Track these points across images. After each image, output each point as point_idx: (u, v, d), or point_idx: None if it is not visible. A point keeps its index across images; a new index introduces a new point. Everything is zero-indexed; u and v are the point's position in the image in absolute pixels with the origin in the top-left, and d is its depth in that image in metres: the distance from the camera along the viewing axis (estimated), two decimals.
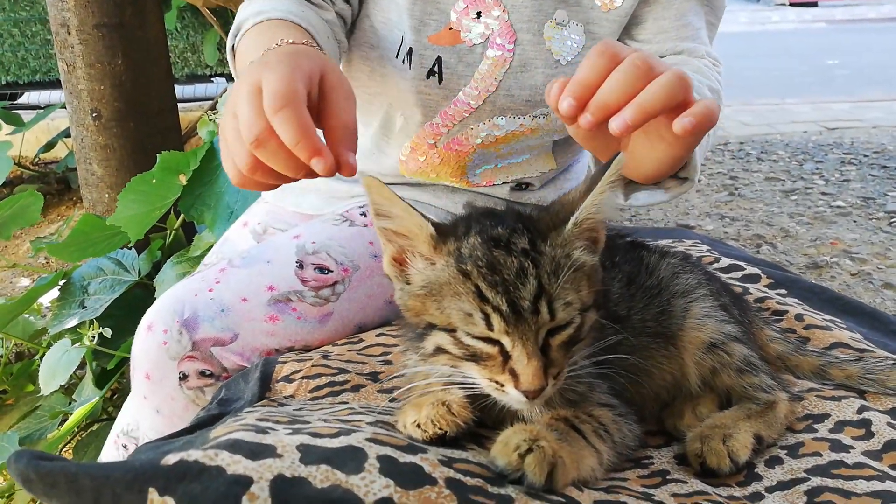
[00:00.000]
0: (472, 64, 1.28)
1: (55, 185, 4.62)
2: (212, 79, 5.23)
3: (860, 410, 0.87)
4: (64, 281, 2.11)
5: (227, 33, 4.29)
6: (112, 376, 1.97)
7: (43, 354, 2.17)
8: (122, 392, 2.16)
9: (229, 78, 4.98)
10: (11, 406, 2.21)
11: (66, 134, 4.43)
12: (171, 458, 0.57)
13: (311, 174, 0.80)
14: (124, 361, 1.91)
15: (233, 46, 1.16)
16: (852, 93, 6.94)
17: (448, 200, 1.39)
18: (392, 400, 0.85)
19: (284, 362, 1.05)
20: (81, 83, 2.39)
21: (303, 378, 0.99)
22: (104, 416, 2.12)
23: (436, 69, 1.28)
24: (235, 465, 0.57)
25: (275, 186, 0.88)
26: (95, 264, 2.14)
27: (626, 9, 1.26)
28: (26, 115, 4.48)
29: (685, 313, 0.90)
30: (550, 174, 1.44)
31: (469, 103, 1.30)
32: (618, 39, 1.30)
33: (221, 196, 1.99)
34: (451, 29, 1.26)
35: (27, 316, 2.28)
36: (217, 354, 1.12)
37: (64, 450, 2.09)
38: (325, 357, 1.07)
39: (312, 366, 1.02)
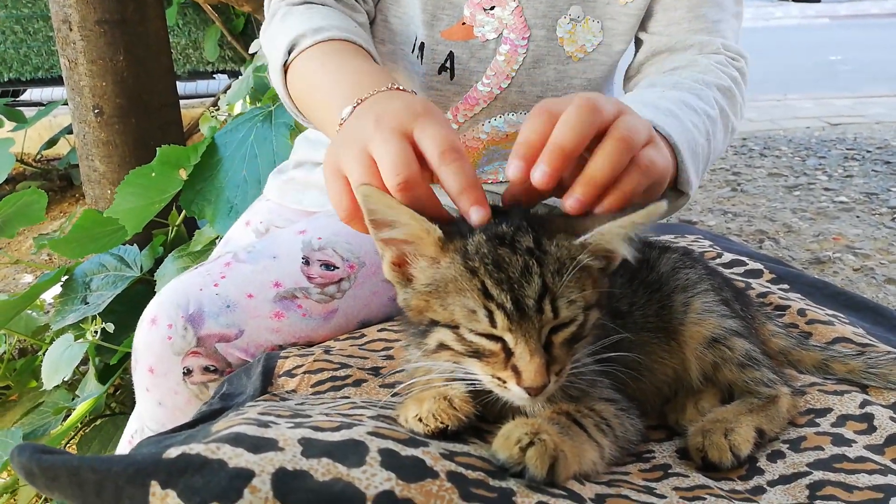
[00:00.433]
0: (484, 59, 1.27)
1: (57, 181, 4.63)
2: (213, 75, 5.24)
3: (862, 405, 0.87)
4: (66, 277, 2.11)
5: (228, 30, 4.32)
6: (115, 371, 1.97)
7: (46, 350, 2.18)
8: (124, 387, 2.16)
9: (231, 74, 4.98)
10: (15, 402, 2.22)
11: (68, 130, 4.44)
12: (173, 452, 0.57)
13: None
14: (127, 357, 1.91)
15: (285, 63, 1.12)
16: (855, 89, 6.93)
17: None
18: (394, 395, 0.85)
19: (286, 357, 1.05)
20: (83, 80, 2.40)
21: (305, 373, 0.99)
22: (107, 411, 2.12)
23: (448, 65, 1.27)
24: (237, 458, 0.57)
25: None
26: (98, 260, 2.14)
27: (644, 0, 1.25)
28: (28, 112, 4.49)
29: (686, 308, 0.90)
30: None
31: (481, 99, 1.29)
32: (634, 34, 1.29)
33: (222, 191, 1.99)
34: (463, 24, 1.25)
35: (30, 312, 2.28)
36: (222, 350, 1.12)
37: (68, 445, 2.09)
38: (326, 352, 1.07)
39: (314, 360, 1.02)
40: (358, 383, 0.96)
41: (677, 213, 3.65)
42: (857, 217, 3.55)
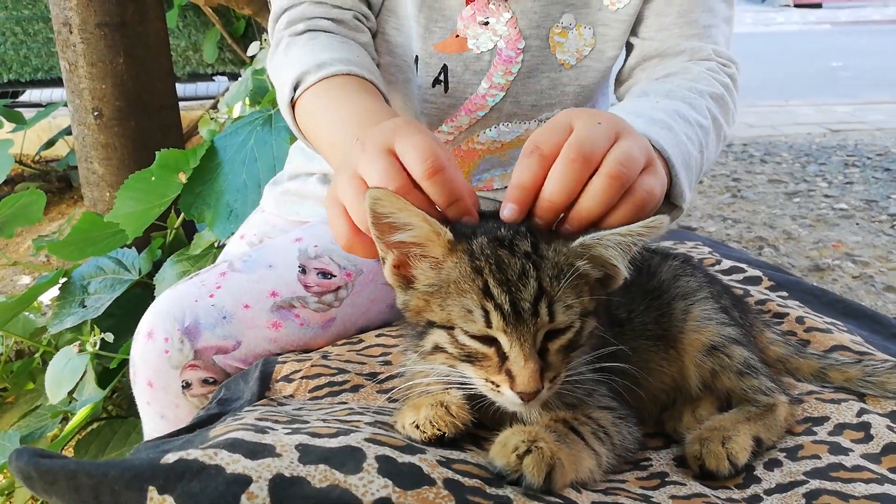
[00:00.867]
0: (479, 72, 1.26)
1: (56, 183, 4.63)
2: (213, 77, 5.24)
3: (859, 413, 0.87)
4: (64, 280, 2.11)
5: (228, 32, 4.32)
6: (114, 375, 1.97)
7: (43, 352, 2.18)
8: (122, 391, 2.16)
9: (230, 76, 4.99)
10: (12, 404, 2.21)
11: (67, 132, 4.44)
12: (170, 457, 0.57)
13: None
14: (125, 361, 1.91)
15: (291, 99, 1.13)
16: (856, 95, 6.94)
17: None
18: (391, 400, 0.85)
19: (284, 362, 1.05)
20: (83, 82, 2.40)
21: (302, 378, 0.99)
22: (104, 414, 2.12)
23: (441, 77, 1.27)
24: (234, 464, 0.57)
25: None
26: (96, 263, 2.14)
27: (635, 5, 1.24)
28: (28, 113, 4.48)
29: (685, 316, 0.90)
30: None
31: (476, 111, 1.29)
32: (626, 39, 1.29)
33: (222, 195, 1.99)
34: (457, 36, 1.24)
35: (27, 314, 2.28)
36: (220, 362, 1.11)
37: (64, 448, 2.09)
38: (324, 357, 1.07)
39: (312, 366, 1.02)
40: (355, 389, 0.96)
41: (677, 220, 3.65)
42: (857, 224, 3.55)
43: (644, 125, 0.98)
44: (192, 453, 0.57)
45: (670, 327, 0.90)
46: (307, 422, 0.71)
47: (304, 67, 1.12)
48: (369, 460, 0.61)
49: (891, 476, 0.76)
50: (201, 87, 5.51)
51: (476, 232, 0.75)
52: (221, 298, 1.13)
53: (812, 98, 6.82)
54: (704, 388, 0.90)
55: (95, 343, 1.80)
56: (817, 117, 6.00)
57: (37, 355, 2.26)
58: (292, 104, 1.14)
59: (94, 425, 2.07)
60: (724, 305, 0.94)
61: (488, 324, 0.71)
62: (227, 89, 4.51)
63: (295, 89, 1.13)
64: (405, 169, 0.76)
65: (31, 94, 5.61)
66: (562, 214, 0.77)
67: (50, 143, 4.60)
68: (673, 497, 0.74)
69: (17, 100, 5.46)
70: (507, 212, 0.76)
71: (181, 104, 2.84)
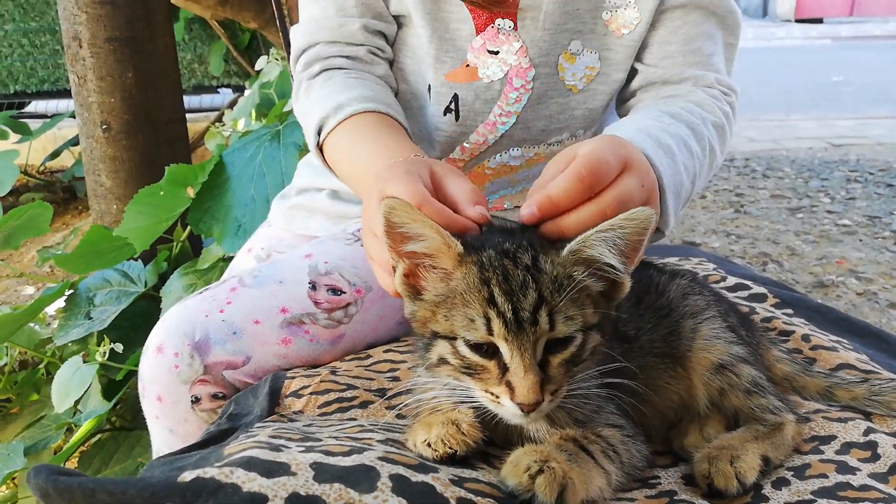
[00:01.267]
0: (489, 100, 1.27)
1: (61, 193, 4.64)
2: (218, 90, 5.26)
3: (866, 432, 0.87)
4: (70, 292, 2.12)
5: (233, 45, 4.34)
6: (119, 388, 1.97)
7: (47, 363, 2.18)
8: (127, 403, 2.16)
9: (235, 89, 5.02)
10: (16, 415, 2.21)
11: (72, 143, 4.45)
12: (187, 476, 0.57)
13: None
14: (131, 373, 1.92)
15: (318, 143, 1.19)
16: (857, 110, 6.95)
17: None
18: (401, 417, 0.85)
19: (293, 377, 1.05)
20: (92, 96, 2.41)
21: (311, 393, 0.99)
22: (108, 426, 2.12)
23: (452, 106, 1.28)
24: (251, 482, 0.57)
25: None
26: (102, 275, 2.14)
27: (640, 32, 1.26)
28: (33, 124, 4.50)
29: (694, 334, 0.91)
30: None
31: (486, 139, 1.30)
32: (631, 63, 1.30)
33: (230, 210, 2.00)
34: (467, 66, 1.26)
35: (32, 325, 2.28)
36: (229, 377, 1.12)
37: (69, 460, 2.09)
38: (333, 373, 1.07)
39: (321, 381, 1.03)
40: (364, 405, 0.97)
41: (681, 234, 3.66)
42: (861, 241, 3.55)
43: (651, 148, 1.00)
44: (209, 472, 0.58)
45: (678, 345, 0.91)
46: (320, 439, 0.72)
47: (325, 112, 1.17)
48: (383, 479, 0.62)
49: None
50: (206, 100, 5.53)
51: (484, 245, 0.76)
52: (232, 314, 1.14)
53: (813, 113, 6.84)
54: (712, 407, 0.90)
55: (105, 353, 1.80)
56: (819, 132, 6.01)
57: (41, 366, 2.27)
58: (320, 147, 1.20)
59: (99, 437, 2.07)
60: (732, 324, 0.94)
61: (489, 331, 0.72)
62: (232, 101, 4.55)
63: (319, 133, 1.18)
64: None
65: (36, 105, 5.63)
66: None
67: (55, 154, 4.62)
68: None
69: (22, 111, 5.48)
70: (527, 214, 0.79)
71: (186, 116, 2.85)
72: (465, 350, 0.74)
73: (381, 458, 0.65)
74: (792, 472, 0.82)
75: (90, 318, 2.04)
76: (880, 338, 1.19)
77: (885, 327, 2.54)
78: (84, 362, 1.85)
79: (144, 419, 1.19)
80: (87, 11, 2.34)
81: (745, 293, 1.30)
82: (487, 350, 0.73)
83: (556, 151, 1.31)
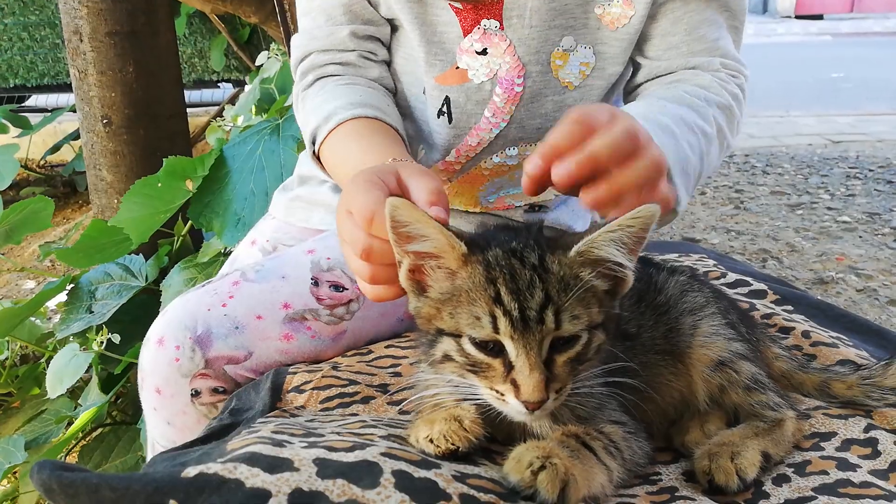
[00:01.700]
0: (481, 102, 1.27)
1: (61, 188, 4.65)
2: (218, 84, 5.26)
3: (867, 429, 0.87)
4: (72, 286, 2.12)
5: (234, 40, 4.34)
6: (118, 381, 1.98)
7: (49, 358, 2.19)
8: (127, 397, 2.16)
9: (236, 83, 5.02)
10: (17, 409, 2.22)
11: (72, 137, 4.46)
12: (190, 471, 0.57)
13: None
14: (130, 366, 1.92)
15: (314, 151, 1.20)
16: (857, 106, 6.95)
17: (462, 221, 1.38)
18: (403, 412, 0.86)
19: (295, 373, 1.05)
20: (93, 90, 2.41)
21: (313, 389, 1.00)
22: (109, 420, 2.12)
23: (444, 109, 1.28)
24: (254, 478, 0.58)
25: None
26: (103, 269, 2.15)
27: (636, 25, 1.24)
28: (34, 118, 4.51)
29: (694, 331, 0.91)
30: (563, 196, 1.44)
31: (481, 140, 1.29)
32: (629, 57, 1.29)
33: (230, 204, 2.00)
34: (457, 68, 1.25)
35: (33, 319, 2.29)
36: (230, 372, 1.12)
37: (69, 455, 2.09)
38: (334, 368, 1.08)
39: (322, 377, 1.03)
40: (366, 400, 0.97)
41: (681, 231, 3.66)
42: (860, 237, 3.56)
43: (648, 129, 0.99)
44: (212, 467, 0.58)
45: (678, 342, 0.91)
46: (322, 435, 0.72)
47: (317, 122, 1.18)
48: (386, 475, 0.62)
49: None
50: (206, 94, 5.53)
51: (490, 243, 0.77)
52: (234, 308, 1.14)
53: (813, 109, 6.83)
54: (712, 403, 0.90)
55: (102, 343, 1.80)
56: (818, 128, 6.01)
57: (42, 361, 2.27)
58: (317, 156, 1.21)
59: (99, 431, 2.07)
60: (732, 321, 0.95)
61: (496, 329, 0.72)
62: (232, 95, 4.55)
63: (313, 143, 1.19)
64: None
65: (36, 99, 5.63)
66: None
67: (55, 148, 4.63)
68: None
69: (23, 105, 5.48)
70: (531, 165, 0.81)
71: (187, 111, 2.85)
72: (470, 348, 0.74)
73: (383, 454, 0.65)
74: (792, 469, 0.82)
75: (91, 312, 2.05)
76: (880, 334, 1.19)
77: (884, 324, 2.55)
78: (82, 350, 1.86)
79: (143, 414, 1.20)
80: (87, 5, 2.34)
81: (745, 290, 1.30)
82: (493, 348, 0.73)
83: None
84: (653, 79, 1.28)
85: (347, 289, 1.20)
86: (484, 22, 1.22)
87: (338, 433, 0.74)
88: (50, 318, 2.48)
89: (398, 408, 0.93)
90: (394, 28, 1.31)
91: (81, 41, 2.36)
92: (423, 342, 0.81)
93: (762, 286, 1.31)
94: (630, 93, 1.34)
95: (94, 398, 1.95)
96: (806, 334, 1.12)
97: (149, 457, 1.29)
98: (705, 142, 1.10)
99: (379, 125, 1.16)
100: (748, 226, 3.79)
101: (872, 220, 3.80)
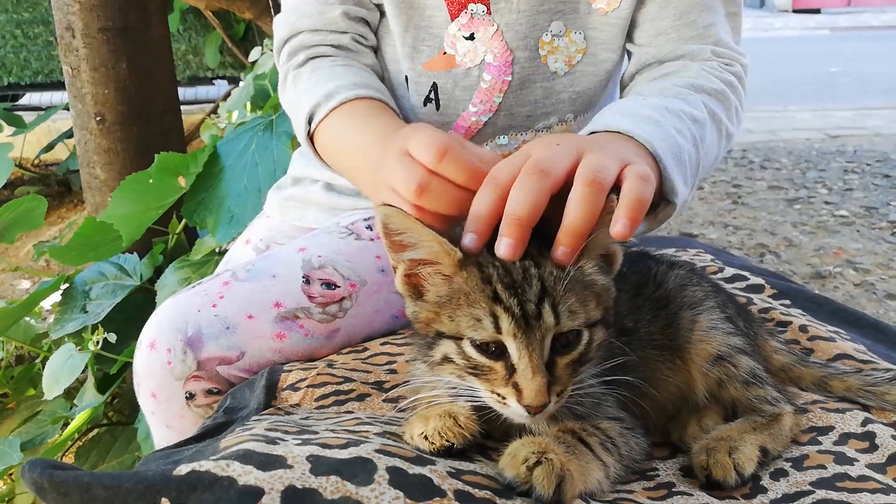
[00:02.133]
0: (469, 87, 1.26)
1: (56, 187, 4.64)
2: (213, 81, 5.25)
3: (864, 423, 0.87)
4: (66, 286, 2.11)
5: (228, 36, 4.33)
6: (114, 381, 1.97)
7: (44, 358, 2.18)
8: (123, 397, 2.16)
9: (230, 80, 5.00)
10: (12, 410, 2.21)
11: (67, 135, 4.44)
12: (182, 469, 0.57)
13: None
14: (126, 366, 1.91)
15: (309, 132, 1.17)
16: (854, 101, 6.96)
17: None
18: (399, 410, 0.85)
19: (289, 371, 1.05)
20: (86, 87, 2.40)
21: (308, 387, 0.99)
22: (105, 420, 2.12)
23: (432, 96, 1.27)
24: (247, 475, 0.57)
25: None
26: (97, 269, 2.14)
27: (626, 10, 1.22)
28: (28, 117, 4.49)
29: (692, 325, 0.90)
30: None
31: (469, 127, 1.28)
32: (623, 43, 1.27)
33: (223, 200, 1.99)
34: (444, 53, 1.24)
35: (28, 319, 2.28)
36: (223, 373, 1.11)
37: (65, 455, 2.09)
38: (330, 366, 1.07)
39: (317, 374, 1.02)
40: (361, 398, 0.96)
41: (678, 226, 3.66)
42: (858, 231, 3.56)
43: (629, 123, 0.97)
44: (205, 465, 0.58)
45: (677, 337, 0.90)
46: (316, 432, 0.72)
47: (315, 100, 1.15)
48: (380, 472, 0.61)
49: None
50: (201, 91, 5.52)
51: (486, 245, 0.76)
52: (224, 308, 1.12)
53: (810, 103, 6.84)
54: (710, 398, 0.90)
55: (98, 342, 1.80)
56: (816, 123, 6.02)
57: (37, 361, 2.26)
58: (310, 137, 1.18)
59: (95, 432, 2.07)
60: (730, 315, 0.94)
61: (498, 329, 0.71)
62: (227, 93, 4.53)
63: (309, 122, 1.16)
64: (421, 164, 0.82)
65: (30, 98, 5.62)
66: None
67: (49, 147, 4.62)
68: None
69: (16, 103, 5.47)
70: (468, 241, 0.76)
71: (181, 108, 2.84)
72: (471, 350, 0.73)
73: (378, 451, 0.65)
74: (790, 463, 0.82)
75: (86, 312, 2.04)
76: (877, 328, 1.19)
77: (882, 318, 2.55)
78: (78, 350, 1.85)
79: (139, 413, 1.19)
80: (80, 1, 2.33)
81: (743, 284, 1.30)
82: (494, 351, 0.72)
83: None
84: (643, 68, 1.26)
85: (339, 286, 1.19)
86: (471, 6, 1.21)
87: (332, 430, 0.74)
88: (45, 319, 2.47)
89: (394, 406, 0.92)
90: (381, 14, 1.30)
91: (74, 37, 2.35)
92: (420, 343, 0.81)
93: (759, 280, 1.31)
94: (624, 86, 1.32)
95: (90, 398, 1.94)
96: (803, 328, 1.12)
97: None
98: (696, 127, 1.07)
99: (384, 107, 1.15)
100: (746, 220, 3.80)
101: (870, 215, 3.80)
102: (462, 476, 0.65)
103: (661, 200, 1.01)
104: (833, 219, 3.76)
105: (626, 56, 1.33)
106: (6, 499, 1.95)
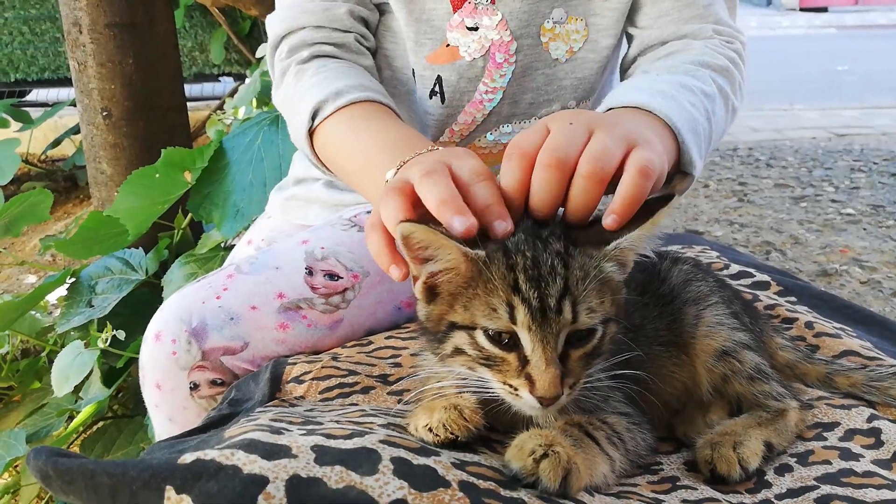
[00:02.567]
0: (473, 78, 1.26)
1: (62, 182, 4.64)
2: (219, 78, 5.26)
3: (870, 419, 0.87)
4: (72, 280, 2.12)
5: (234, 33, 4.33)
6: (119, 375, 1.98)
7: (49, 352, 2.19)
8: (128, 390, 2.17)
9: (236, 77, 5.01)
10: (18, 403, 2.22)
11: (73, 131, 4.45)
12: (187, 457, 0.57)
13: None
14: (132, 360, 1.92)
15: (310, 129, 1.16)
16: (862, 99, 6.93)
17: None
18: (405, 402, 0.85)
19: (294, 363, 1.05)
20: (92, 82, 2.40)
21: (313, 379, 0.99)
22: (110, 414, 2.12)
23: (437, 89, 1.27)
24: (251, 464, 0.57)
25: None
26: (103, 263, 2.15)
27: None
28: (34, 113, 4.50)
29: (697, 321, 0.90)
30: None
31: (474, 118, 1.29)
32: (622, 28, 1.28)
33: (229, 195, 2.00)
34: (448, 46, 1.24)
35: (34, 313, 2.29)
36: (228, 363, 1.12)
37: (70, 447, 2.09)
38: (334, 359, 1.07)
39: (322, 367, 1.03)
40: (366, 390, 0.96)
41: (684, 223, 3.65)
42: (864, 229, 3.55)
43: (646, 98, 0.98)
44: (209, 453, 0.58)
45: (682, 332, 0.90)
46: (321, 423, 0.72)
47: (322, 96, 1.14)
48: (385, 462, 0.61)
49: None
50: (207, 88, 5.52)
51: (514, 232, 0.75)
52: (228, 300, 1.14)
53: (817, 102, 6.81)
54: (715, 393, 0.90)
55: (107, 340, 1.80)
56: (823, 121, 6.00)
57: (43, 354, 2.27)
58: (310, 133, 1.16)
59: (100, 424, 2.08)
60: (735, 310, 0.94)
61: (512, 319, 0.70)
62: (233, 89, 4.54)
63: (313, 118, 1.15)
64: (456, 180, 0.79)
65: (37, 94, 5.63)
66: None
67: (56, 143, 4.62)
68: (684, 501, 0.74)
69: (23, 99, 5.48)
70: (500, 229, 0.75)
71: (187, 105, 2.85)
72: (483, 341, 0.73)
73: (382, 442, 0.65)
74: (795, 459, 0.82)
75: (91, 306, 2.05)
76: (884, 326, 1.19)
77: (889, 315, 2.54)
78: (87, 348, 1.86)
79: (146, 407, 1.20)
80: None
81: (749, 281, 1.30)
82: (508, 342, 0.72)
83: None
84: (646, 49, 1.27)
85: (342, 277, 1.19)
86: None
87: (337, 422, 0.74)
88: (50, 313, 2.48)
89: (399, 398, 0.93)
90: (381, 13, 1.30)
91: (81, 33, 2.35)
92: (432, 340, 0.80)
93: (765, 277, 1.30)
94: (626, 70, 1.33)
95: (95, 392, 1.94)
96: (809, 325, 1.11)
97: None
98: (708, 101, 1.08)
99: (390, 112, 1.14)
100: (752, 218, 3.79)
101: (877, 213, 3.79)
102: (466, 467, 0.65)
103: (677, 173, 1.02)
104: (839, 217, 3.75)
105: (624, 40, 1.34)
106: (12, 490, 1.96)
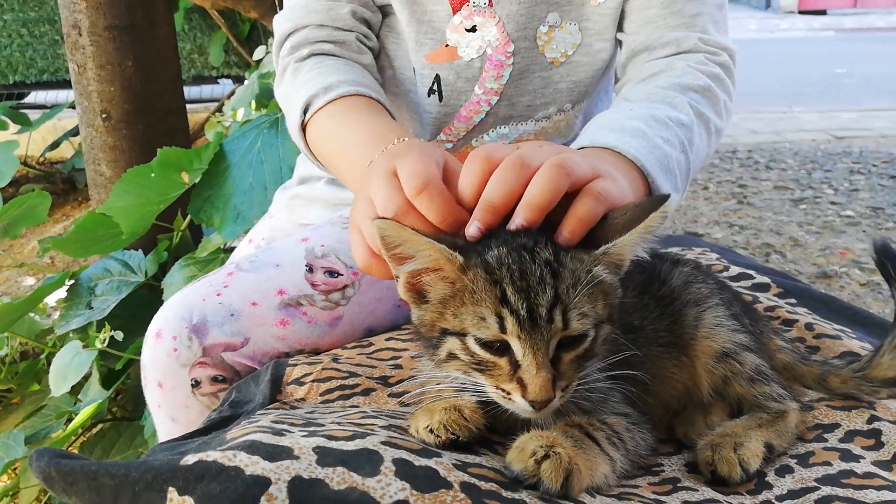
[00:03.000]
0: (471, 79, 1.28)
1: (61, 184, 4.64)
2: (218, 80, 5.26)
3: (870, 420, 0.87)
4: (72, 282, 2.12)
5: (234, 35, 4.33)
6: (118, 377, 1.97)
7: (48, 354, 2.19)
8: (128, 393, 2.16)
9: (235, 79, 5.01)
10: (17, 405, 2.22)
11: (72, 133, 4.45)
12: (190, 459, 0.57)
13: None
14: (131, 362, 1.92)
15: (302, 123, 1.18)
16: (860, 102, 6.94)
17: None
18: (404, 404, 0.85)
19: (295, 365, 1.05)
20: (92, 84, 2.40)
21: (313, 381, 0.99)
22: (109, 416, 2.12)
23: (435, 88, 1.29)
24: (253, 465, 0.57)
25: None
26: (102, 265, 2.15)
27: (617, 0, 1.25)
28: (33, 115, 4.50)
29: (697, 322, 0.90)
30: None
31: (471, 118, 1.31)
32: (615, 33, 1.30)
33: (230, 198, 2.00)
34: (447, 46, 1.26)
35: (33, 315, 2.29)
36: (228, 359, 1.12)
37: (69, 450, 2.09)
38: (335, 360, 1.07)
39: (323, 369, 1.03)
40: (367, 392, 0.96)
41: (683, 225, 3.66)
42: (864, 231, 3.56)
43: (615, 138, 1.00)
44: (212, 455, 0.58)
45: (682, 334, 0.90)
46: (322, 425, 0.72)
47: (313, 91, 1.16)
48: (386, 463, 0.62)
49: None
50: (206, 90, 5.52)
51: (492, 244, 0.75)
52: (229, 297, 1.14)
53: (816, 104, 6.82)
54: (716, 395, 0.90)
55: (104, 340, 1.80)
56: (822, 124, 6.01)
57: (42, 357, 2.27)
58: (303, 128, 1.19)
59: (100, 427, 2.07)
60: (735, 312, 0.94)
61: (502, 329, 0.71)
62: (231, 92, 4.54)
63: (305, 113, 1.17)
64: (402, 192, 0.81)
65: (36, 96, 5.62)
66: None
67: (55, 145, 4.62)
68: (685, 502, 0.74)
69: (22, 101, 5.48)
70: (473, 230, 0.77)
71: (186, 107, 2.85)
72: (475, 346, 0.73)
73: (384, 443, 0.65)
74: (795, 460, 0.82)
75: (91, 308, 2.05)
76: (884, 327, 1.18)
77: (888, 317, 2.54)
78: (85, 348, 1.86)
79: (145, 409, 1.20)
80: None
81: (748, 283, 1.30)
82: (499, 347, 0.72)
83: (546, 127, 1.32)
84: (634, 55, 1.28)
85: (342, 275, 1.20)
86: None
87: (338, 423, 0.74)
88: (49, 315, 2.48)
89: (399, 400, 0.93)
90: (384, 14, 1.32)
91: (80, 35, 2.36)
92: (427, 345, 0.80)
93: (765, 279, 1.30)
94: (618, 79, 1.34)
95: (94, 394, 1.94)
96: (809, 326, 1.11)
97: None
98: (684, 132, 1.10)
99: (380, 108, 1.16)
100: (751, 220, 3.79)
101: (876, 215, 3.79)
102: (468, 468, 0.65)
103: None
104: (839, 219, 3.76)
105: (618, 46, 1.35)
106: (10, 492, 1.96)
